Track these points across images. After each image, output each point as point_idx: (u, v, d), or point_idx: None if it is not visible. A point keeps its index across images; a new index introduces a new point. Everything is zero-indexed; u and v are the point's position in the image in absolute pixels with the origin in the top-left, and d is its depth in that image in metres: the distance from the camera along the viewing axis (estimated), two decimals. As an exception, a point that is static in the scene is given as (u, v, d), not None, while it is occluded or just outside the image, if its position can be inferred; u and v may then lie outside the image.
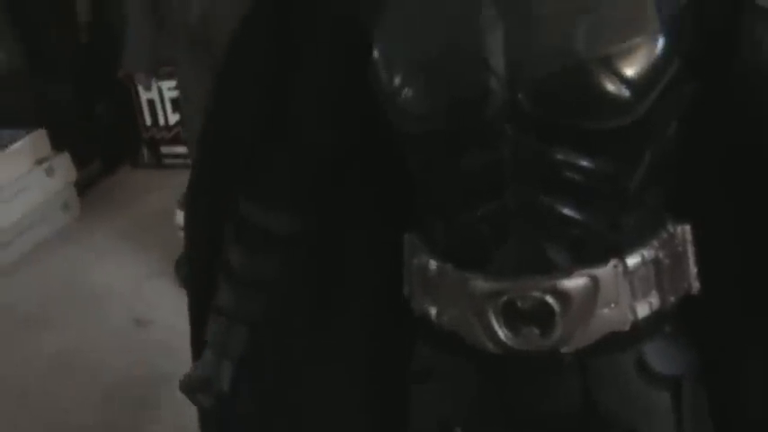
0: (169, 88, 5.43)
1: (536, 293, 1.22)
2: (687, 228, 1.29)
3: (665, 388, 1.30)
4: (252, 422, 1.53)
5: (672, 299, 1.29)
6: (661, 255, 1.27)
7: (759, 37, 1.15)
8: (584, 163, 1.18)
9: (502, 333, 1.25)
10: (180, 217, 4.36)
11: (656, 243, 1.26)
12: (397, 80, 1.21)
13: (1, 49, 5.12)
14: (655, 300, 1.27)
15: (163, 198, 4.98)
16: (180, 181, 4.59)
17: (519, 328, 1.24)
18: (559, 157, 1.18)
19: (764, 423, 1.34)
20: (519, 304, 1.23)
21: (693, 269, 1.30)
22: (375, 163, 1.41)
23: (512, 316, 1.24)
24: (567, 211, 1.21)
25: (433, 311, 1.33)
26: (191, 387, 1.48)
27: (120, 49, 4.15)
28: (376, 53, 1.25)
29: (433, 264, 1.30)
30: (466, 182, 1.24)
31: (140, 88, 5.42)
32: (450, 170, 1.25)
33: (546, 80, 1.15)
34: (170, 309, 3.74)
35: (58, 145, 4.97)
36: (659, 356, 1.30)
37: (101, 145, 5.53)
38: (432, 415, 1.39)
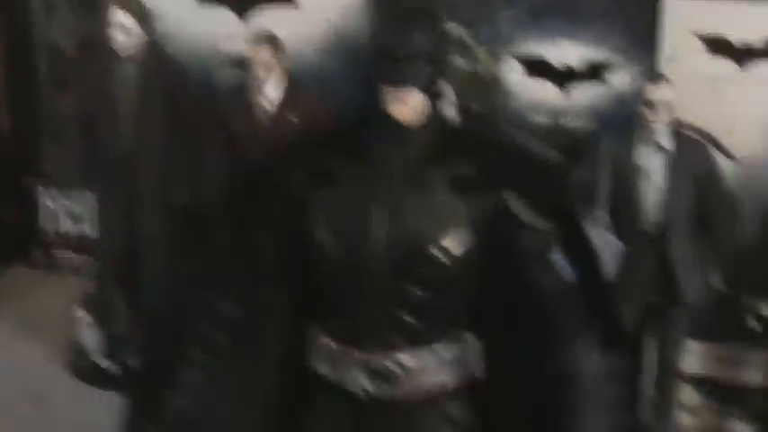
0: (71, 200, 6.12)
1: (387, 363, 2.14)
2: (470, 335, 2.20)
3: (454, 429, 2.20)
4: None
5: (462, 376, 2.20)
6: (457, 350, 2.20)
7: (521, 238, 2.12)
8: (420, 293, 2.11)
9: (365, 385, 2.13)
10: (79, 315, 5.01)
11: (456, 343, 2.20)
12: (322, 235, 2.15)
13: None
14: (453, 375, 2.19)
15: (53, 297, 5.55)
16: (70, 283, 5.16)
17: (377, 382, 2.12)
18: (406, 288, 2.11)
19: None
20: (376, 367, 2.14)
21: (477, 362, 2.20)
22: (292, 283, 2.26)
23: (373, 375, 2.13)
24: (406, 318, 2.13)
25: (325, 370, 2.21)
26: None
27: (33, 160, 4.75)
28: (311, 217, 2.15)
29: (330, 342, 2.19)
30: (350, 295, 2.14)
31: (45, 196, 6.11)
32: (342, 289, 2.15)
33: (405, 249, 2.09)
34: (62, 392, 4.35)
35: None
36: (456, 410, 2.21)
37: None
38: None
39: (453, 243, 2.09)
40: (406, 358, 2.14)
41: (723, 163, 4.21)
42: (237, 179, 2.36)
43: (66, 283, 5.63)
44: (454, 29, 4.35)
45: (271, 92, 4.41)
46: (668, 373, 4.21)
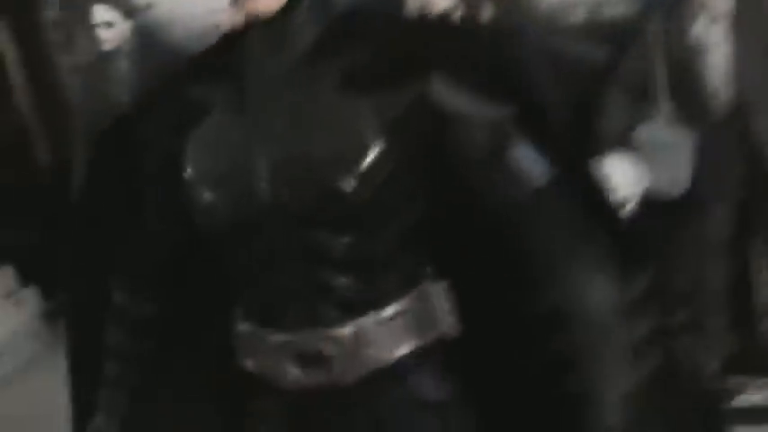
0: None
1: (314, 341, 1.58)
2: (441, 286, 1.63)
3: (432, 413, 1.62)
4: None
5: (428, 341, 1.62)
6: (413, 306, 1.61)
7: (461, 138, 1.55)
8: (333, 240, 1.56)
9: (293, 373, 1.59)
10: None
11: (408, 298, 1.62)
12: (200, 190, 1.63)
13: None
14: (412, 342, 1.61)
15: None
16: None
17: (308, 368, 1.57)
18: (313, 238, 1.56)
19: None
20: (305, 350, 1.60)
21: (449, 317, 1.63)
22: (205, 261, 1.77)
23: (299, 360, 1.59)
24: (328, 278, 1.58)
25: (251, 363, 1.68)
26: None
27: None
28: (186, 172, 1.65)
29: (243, 325, 1.65)
30: (255, 263, 1.61)
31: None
32: (243, 255, 1.63)
33: (296, 178, 1.55)
34: None
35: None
36: (425, 386, 1.64)
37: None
38: None
39: (361, 163, 1.54)
40: (340, 332, 1.60)
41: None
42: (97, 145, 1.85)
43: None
44: None
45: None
46: None
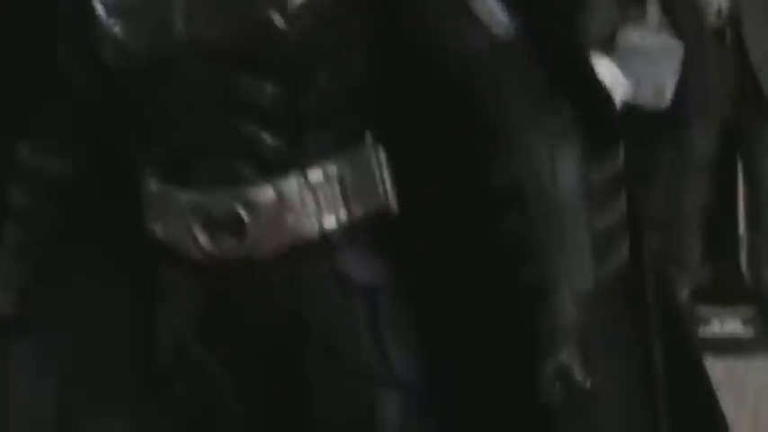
0: None
1: (228, 203, 1.37)
2: (379, 151, 1.41)
3: (359, 296, 1.41)
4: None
5: (360, 214, 1.40)
6: (346, 172, 1.40)
7: None
8: (259, 86, 1.36)
9: (202, 240, 1.38)
10: None
11: (340, 163, 1.40)
12: (110, 22, 1.43)
13: None
14: (342, 213, 1.40)
15: None
16: None
17: (218, 235, 1.37)
18: (236, 82, 1.36)
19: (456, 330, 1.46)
20: (214, 213, 1.37)
21: (387, 189, 1.41)
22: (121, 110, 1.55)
23: (210, 225, 1.38)
24: (249, 131, 1.37)
25: (158, 228, 1.48)
26: None
27: None
28: (97, 6, 1.45)
29: (153, 184, 1.45)
30: (169, 109, 1.41)
31: None
32: (156, 100, 1.43)
33: (217, 12, 1.35)
34: None
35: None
36: (353, 266, 1.42)
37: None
38: (169, 330, 1.52)
39: None
40: (258, 194, 1.38)
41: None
42: None
43: None
44: None
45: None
46: (764, 205, 3.47)
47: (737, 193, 3.56)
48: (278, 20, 1.33)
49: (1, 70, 1.65)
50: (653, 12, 3.27)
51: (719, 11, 3.26)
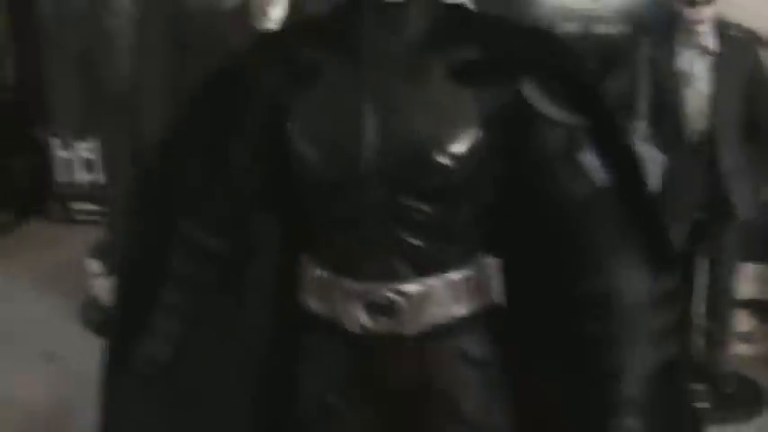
0: (84, 149, 5.91)
1: (386, 293, 1.79)
2: (494, 260, 1.86)
3: (475, 368, 1.85)
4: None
5: (481, 307, 1.85)
6: (472, 275, 1.84)
7: (542, 136, 1.76)
8: (423, 208, 1.75)
9: (363, 319, 1.80)
10: (91, 265, 4.82)
11: (469, 267, 1.84)
12: (304, 145, 1.79)
13: None
14: (467, 305, 1.84)
15: (69, 249, 5.37)
16: (87, 235, 5.06)
17: (376, 316, 1.79)
18: (406, 203, 1.75)
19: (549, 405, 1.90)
20: (376, 300, 1.80)
21: (498, 289, 1.86)
22: (282, 206, 1.94)
23: (370, 308, 1.80)
24: (410, 240, 1.77)
25: (319, 307, 1.87)
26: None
27: (41, 109, 4.59)
28: (291, 125, 1.80)
29: (322, 273, 1.86)
30: (343, 217, 1.79)
31: (55, 146, 5.91)
32: (333, 209, 1.80)
33: (400, 151, 1.73)
34: (77, 346, 4.19)
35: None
36: (473, 346, 1.86)
37: (14, 197, 5.94)
38: (312, 388, 1.91)
39: (460, 145, 1.73)
40: (410, 287, 1.81)
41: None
42: (205, 84, 1.96)
43: (83, 234, 5.42)
44: None
45: (276, 14, 4.07)
46: (721, 298, 3.90)
47: (694, 285, 3.95)
48: (445, 163, 1.72)
49: (180, 162, 1.99)
50: (641, 125, 3.69)
51: (697, 130, 3.66)
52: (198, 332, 1.96)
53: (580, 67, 1.84)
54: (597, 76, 3.63)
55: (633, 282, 1.80)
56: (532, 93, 1.75)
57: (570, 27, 4.15)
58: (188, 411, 1.99)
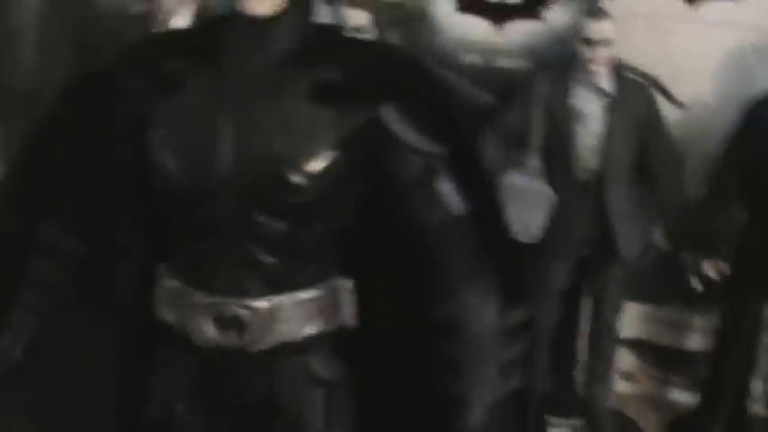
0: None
1: (235, 308, 1.78)
2: (348, 283, 1.86)
3: (320, 388, 1.85)
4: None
5: (331, 327, 1.84)
6: (324, 295, 1.84)
7: (399, 161, 1.78)
8: (276, 225, 1.75)
9: (211, 333, 1.79)
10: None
11: (322, 287, 1.84)
12: (162, 154, 1.78)
13: None
14: (318, 325, 1.84)
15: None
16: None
17: (224, 330, 1.78)
18: (259, 219, 1.75)
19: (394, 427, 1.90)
20: (224, 314, 1.79)
21: (350, 310, 1.86)
22: (144, 214, 1.92)
23: (218, 322, 1.79)
24: (261, 256, 1.77)
25: (170, 317, 1.86)
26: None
27: None
28: (151, 134, 1.79)
29: (174, 284, 1.84)
30: (197, 229, 1.79)
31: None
32: (187, 220, 1.79)
33: (254, 167, 1.73)
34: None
35: None
36: (320, 365, 1.86)
37: None
38: (160, 395, 1.90)
39: (314, 164, 1.73)
40: (259, 303, 1.79)
41: (667, 109, 3.87)
42: (73, 87, 1.93)
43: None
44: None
45: (178, 23, 4.06)
46: (605, 336, 3.94)
47: (579, 321, 4.03)
48: (299, 183, 1.72)
49: (42, 158, 1.96)
50: (534, 160, 3.73)
51: (588, 168, 3.71)
52: (55, 333, 1.94)
53: (444, 95, 1.86)
54: (488, 108, 3.71)
55: (483, 310, 1.82)
56: (391, 118, 1.76)
57: (472, 59, 4.18)
58: (46, 411, 1.97)
